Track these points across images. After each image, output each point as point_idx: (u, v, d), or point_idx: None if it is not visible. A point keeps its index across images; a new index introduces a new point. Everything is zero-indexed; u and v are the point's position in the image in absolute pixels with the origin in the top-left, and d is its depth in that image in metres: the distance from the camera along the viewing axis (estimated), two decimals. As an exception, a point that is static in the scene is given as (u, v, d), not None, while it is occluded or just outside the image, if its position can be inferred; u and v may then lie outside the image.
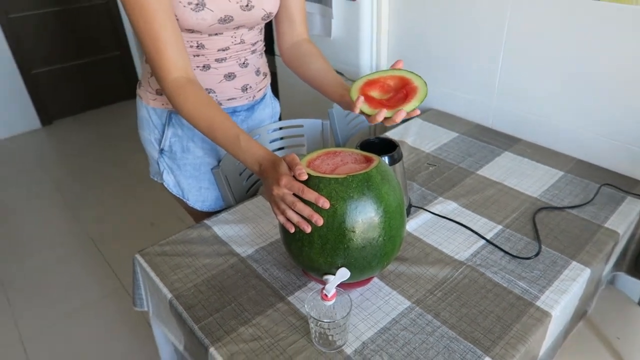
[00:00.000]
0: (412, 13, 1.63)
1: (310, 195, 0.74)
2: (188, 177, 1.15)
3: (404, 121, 1.66)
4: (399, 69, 0.90)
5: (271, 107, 1.27)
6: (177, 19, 0.90)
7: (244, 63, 1.07)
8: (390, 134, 1.50)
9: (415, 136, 1.48)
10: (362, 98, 0.84)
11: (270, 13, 1.02)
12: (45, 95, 3.46)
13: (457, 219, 1.10)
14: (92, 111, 3.74)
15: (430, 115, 1.62)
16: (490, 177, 1.26)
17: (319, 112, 1.48)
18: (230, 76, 1.06)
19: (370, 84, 0.89)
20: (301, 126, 1.34)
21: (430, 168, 1.31)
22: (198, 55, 1.00)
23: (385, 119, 0.83)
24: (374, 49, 1.73)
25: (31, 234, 2.36)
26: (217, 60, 1.02)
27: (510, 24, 1.38)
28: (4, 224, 2.44)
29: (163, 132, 1.10)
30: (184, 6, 0.89)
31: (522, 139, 1.45)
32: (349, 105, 0.92)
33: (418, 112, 0.84)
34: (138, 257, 1.01)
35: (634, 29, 1.15)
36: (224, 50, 1.01)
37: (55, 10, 3.32)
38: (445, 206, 1.15)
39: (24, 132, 3.44)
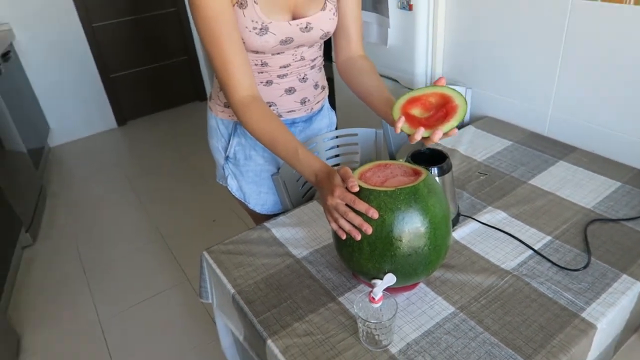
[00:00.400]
0: (467, 21, 1.64)
1: (361, 206, 0.81)
2: (250, 182, 1.26)
3: (458, 127, 1.68)
4: (441, 86, 0.93)
5: (328, 117, 1.35)
6: (244, 42, 0.99)
7: (303, 78, 1.16)
8: (443, 143, 1.53)
9: (467, 144, 1.50)
10: (402, 118, 0.89)
11: (327, 32, 1.09)
12: (121, 97, 3.76)
13: (506, 229, 1.12)
14: (162, 112, 4.01)
15: (484, 123, 1.63)
16: (542, 187, 1.27)
17: (374, 119, 1.54)
18: (290, 90, 1.15)
19: (413, 101, 0.93)
20: (355, 135, 1.40)
21: (481, 177, 1.34)
22: (262, 72, 1.10)
23: (424, 138, 0.88)
24: (429, 57, 1.76)
25: (109, 227, 2.60)
26: (279, 76, 1.11)
27: (569, 31, 1.37)
28: (86, 217, 2.70)
29: (229, 141, 1.21)
30: (250, 31, 0.98)
31: (578, 148, 1.43)
32: (392, 122, 0.98)
33: (456, 132, 0.88)
34: (205, 254, 1.13)
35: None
36: (285, 67, 1.10)
37: (132, 19, 3.60)
38: (494, 215, 1.17)
39: (102, 131, 3.75)
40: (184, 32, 3.83)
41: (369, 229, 0.81)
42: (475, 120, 1.67)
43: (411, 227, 0.82)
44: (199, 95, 4.12)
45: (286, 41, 1.03)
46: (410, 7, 1.67)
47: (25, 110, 3.02)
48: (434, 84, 0.93)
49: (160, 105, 4.00)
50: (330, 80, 1.41)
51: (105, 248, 2.42)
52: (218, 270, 1.08)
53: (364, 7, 1.83)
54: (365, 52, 1.20)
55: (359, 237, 0.82)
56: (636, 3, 1.19)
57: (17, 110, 2.76)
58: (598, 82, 1.36)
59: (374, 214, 0.80)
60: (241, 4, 0.96)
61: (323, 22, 1.06)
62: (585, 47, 1.35)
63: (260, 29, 0.99)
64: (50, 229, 2.61)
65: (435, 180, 0.89)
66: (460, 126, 1.68)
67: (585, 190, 1.24)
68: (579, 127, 1.44)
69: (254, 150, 1.22)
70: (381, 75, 1.93)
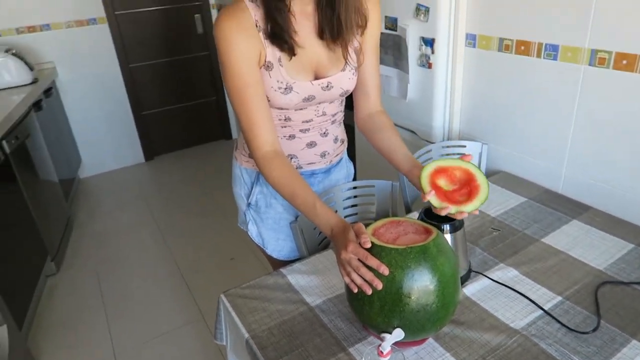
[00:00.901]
0: (484, 81, 1.71)
1: (373, 262, 0.85)
2: (269, 229, 1.32)
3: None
4: (467, 162, 0.99)
5: (346, 168, 1.41)
6: (269, 100, 1.08)
7: (324, 133, 1.23)
8: (458, 195, 1.57)
9: (482, 198, 1.54)
10: (432, 192, 0.95)
11: (347, 90, 1.17)
12: (150, 133, 3.93)
13: (517, 287, 1.14)
14: (189, 149, 4.16)
15: (499, 178, 1.67)
16: (554, 246, 1.29)
17: (392, 169, 1.60)
18: (311, 144, 1.22)
19: (440, 171, 0.99)
20: (372, 186, 1.46)
21: (494, 233, 1.36)
22: (285, 127, 1.17)
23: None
24: (447, 112, 1.83)
25: (129, 259, 2.68)
26: (301, 130, 1.19)
27: (582, 95, 1.42)
28: (108, 248, 2.79)
29: (251, 189, 1.28)
30: (275, 90, 1.06)
31: (592, 207, 1.45)
32: (414, 183, 1.04)
33: (477, 212, 0.94)
34: (223, 297, 1.17)
35: None
36: (307, 122, 1.17)
37: (166, 61, 3.80)
38: (506, 273, 1.19)
39: (130, 165, 3.90)
40: (213, 74, 4.02)
41: (379, 285, 0.85)
42: (491, 175, 1.71)
43: (420, 284, 0.85)
44: (225, 134, 4.26)
45: (308, 99, 1.11)
46: (429, 66, 1.75)
47: (61, 143, 3.19)
48: (461, 158, 0.99)
49: (188, 142, 4.16)
50: (349, 127, 1.47)
51: (124, 280, 2.49)
52: (234, 314, 1.12)
53: (386, 63, 1.92)
54: (385, 106, 1.27)
55: (369, 291, 0.86)
56: (646, 73, 1.24)
57: (53, 143, 2.92)
58: (611, 144, 1.39)
59: (384, 270, 0.84)
60: (268, 66, 1.04)
61: (343, 82, 1.14)
62: (598, 111, 1.39)
63: (285, 88, 1.07)
64: (74, 258, 2.70)
65: (445, 240, 0.93)
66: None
67: (597, 251, 1.25)
68: (592, 187, 1.47)
69: (274, 199, 1.28)
70: (400, 127, 2.01)
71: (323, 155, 1.26)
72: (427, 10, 1.68)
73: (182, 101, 4.00)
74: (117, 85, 3.62)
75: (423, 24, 1.72)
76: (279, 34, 1.00)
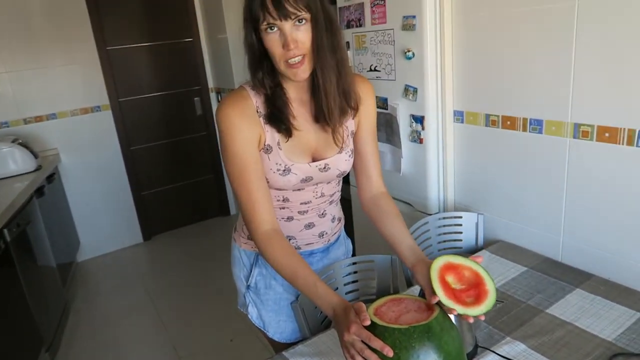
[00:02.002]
0: (475, 153, 1.77)
1: (376, 343, 0.84)
2: (269, 310, 1.30)
3: (472, 251, 1.72)
4: (478, 264, 0.99)
5: (344, 245, 1.42)
6: (268, 181, 1.11)
7: (322, 214, 1.25)
8: (458, 267, 1.56)
9: (483, 270, 1.53)
10: (437, 299, 0.93)
11: (344, 171, 1.21)
12: (149, 213, 3.95)
13: (526, 363, 1.11)
14: (187, 227, 4.16)
15: (499, 247, 1.68)
16: (560, 317, 1.27)
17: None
18: (310, 225, 1.24)
19: (449, 267, 0.99)
20: (372, 262, 1.46)
21: (498, 305, 1.35)
22: (283, 208, 1.20)
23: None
24: (441, 185, 1.87)
25: (126, 347, 2.59)
26: (299, 212, 1.21)
27: (570, 166, 1.46)
28: (106, 333, 2.71)
29: (251, 271, 1.28)
30: (274, 172, 1.10)
31: (594, 275, 1.44)
32: (418, 279, 1.03)
33: (483, 317, 0.94)
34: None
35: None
36: (305, 203, 1.20)
37: (166, 142, 3.93)
38: (514, 347, 1.17)
39: (129, 246, 3.88)
40: (212, 153, 4.13)
41: None
42: (489, 244, 1.72)
43: (426, 365, 0.84)
44: (223, 210, 4.29)
45: (306, 179, 1.14)
46: (421, 141, 1.82)
47: (61, 227, 3.20)
48: (472, 258, 1.00)
49: (186, 220, 4.17)
50: (347, 202, 1.49)
51: (121, 369, 2.39)
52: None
53: (379, 139, 1.99)
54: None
55: None
56: (629, 144, 1.30)
57: (53, 228, 2.93)
58: (604, 212, 1.41)
59: (388, 352, 0.83)
60: (267, 149, 1.09)
61: (340, 164, 1.18)
62: (588, 180, 1.43)
63: (284, 170, 1.11)
64: (69, 348, 2.61)
65: (448, 317, 0.92)
66: (474, 250, 1.73)
67: (605, 321, 1.23)
68: (592, 255, 1.47)
69: (274, 280, 1.28)
70: (396, 199, 2.03)
71: (321, 235, 1.28)
72: (415, 90, 1.78)
73: (181, 180, 4.08)
74: (117, 167, 3.70)
75: (412, 103, 1.82)
76: (278, 116, 1.06)
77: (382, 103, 1.95)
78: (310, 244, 1.27)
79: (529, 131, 1.55)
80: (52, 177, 3.15)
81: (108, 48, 3.53)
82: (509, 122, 1.61)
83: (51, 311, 2.59)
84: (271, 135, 1.08)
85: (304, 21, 0.96)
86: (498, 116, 1.64)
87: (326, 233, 1.28)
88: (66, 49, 3.35)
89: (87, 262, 3.68)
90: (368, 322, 0.87)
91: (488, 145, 1.71)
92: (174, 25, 3.78)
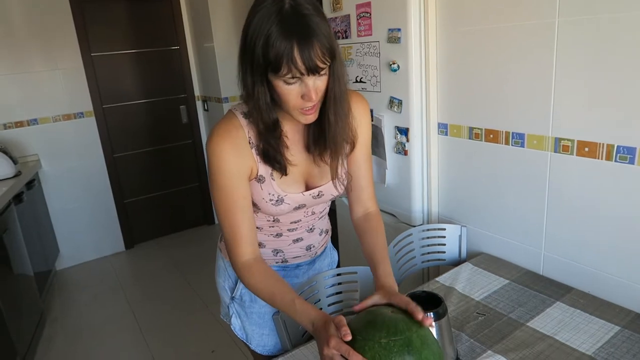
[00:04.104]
0: (458, 165, 1.79)
1: (355, 358, 0.83)
2: (253, 323, 1.28)
3: (456, 263, 1.73)
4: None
5: (330, 256, 1.42)
6: (260, 208, 1.09)
7: (311, 229, 1.24)
8: (442, 280, 1.57)
9: (465, 282, 1.54)
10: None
11: (337, 195, 1.18)
12: (132, 221, 3.89)
13: (506, 376, 1.11)
14: (170, 235, 4.11)
15: (481, 260, 1.68)
16: (541, 330, 1.27)
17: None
18: (298, 240, 1.23)
19: None
20: (355, 273, 1.45)
21: (480, 318, 1.35)
22: (273, 226, 1.18)
23: None
24: (425, 196, 1.88)
25: (105, 355, 2.53)
26: (289, 230, 1.20)
27: (551, 180, 1.48)
28: (82, 347, 2.64)
29: (236, 283, 1.26)
30: (267, 202, 1.08)
31: (574, 288, 1.46)
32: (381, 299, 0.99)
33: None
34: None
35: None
36: (296, 222, 1.18)
37: (150, 150, 3.89)
38: (495, 361, 1.17)
39: (110, 254, 3.82)
40: (197, 161, 4.10)
41: None
42: (472, 256, 1.72)
43: (406, 380, 0.83)
44: (208, 219, 4.25)
45: (299, 207, 1.13)
46: (405, 153, 1.83)
47: (39, 235, 3.13)
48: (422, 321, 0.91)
49: (169, 229, 4.12)
50: (332, 212, 1.48)
51: (98, 381, 2.33)
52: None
53: (364, 150, 2.00)
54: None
55: None
56: (607, 159, 1.32)
57: (31, 236, 2.86)
58: (584, 226, 1.43)
59: None
60: (259, 179, 1.06)
61: (333, 189, 1.14)
62: (569, 194, 1.45)
63: (277, 200, 1.08)
64: (44, 358, 2.54)
65: (429, 331, 0.92)
66: (458, 262, 1.73)
67: (584, 335, 1.24)
68: (572, 268, 1.49)
69: None
70: (380, 211, 2.04)
71: (308, 248, 1.27)
72: (400, 102, 1.79)
73: (165, 188, 4.03)
74: (100, 175, 3.65)
75: (397, 115, 1.83)
76: (273, 156, 1.02)
77: (367, 114, 1.96)
78: (298, 257, 1.26)
79: (512, 144, 1.57)
80: (32, 184, 3.09)
81: (93, 54, 3.50)
82: (492, 135, 1.62)
83: (26, 321, 2.52)
84: (264, 167, 1.05)
85: (325, 71, 0.91)
86: (481, 129, 1.65)
87: (314, 246, 1.27)
88: (49, 54, 3.31)
89: (67, 270, 3.60)
90: (349, 338, 0.86)
91: (471, 158, 1.73)
92: (160, 32, 3.76)
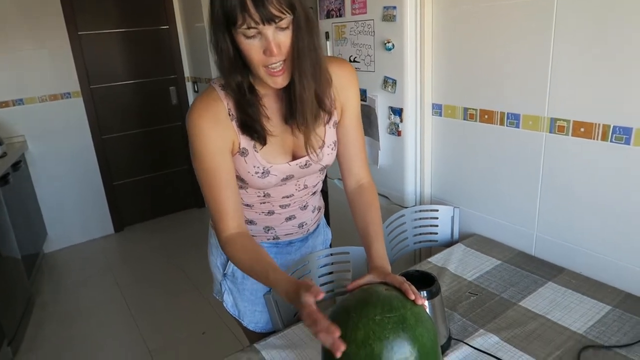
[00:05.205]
0: (452, 146, 1.77)
1: (323, 324, 0.80)
2: (245, 300, 1.27)
3: (448, 244, 1.72)
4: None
5: (323, 234, 1.40)
6: (247, 182, 1.07)
7: (304, 206, 1.22)
8: (434, 260, 1.56)
9: (458, 263, 1.53)
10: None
11: (326, 165, 1.15)
12: (121, 204, 3.85)
13: (499, 355, 1.11)
14: (160, 218, 4.08)
15: (473, 241, 1.68)
16: (533, 310, 1.27)
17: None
18: (291, 218, 1.21)
19: None
20: (347, 253, 1.44)
21: (472, 297, 1.35)
22: (264, 203, 1.16)
23: None
24: (418, 177, 1.87)
25: (94, 341, 2.51)
26: (281, 206, 1.17)
27: (546, 160, 1.47)
28: (72, 329, 2.62)
29: (227, 259, 1.24)
30: (252, 175, 1.05)
31: (566, 269, 1.46)
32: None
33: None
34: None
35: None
36: (288, 197, 1.16)
37: (139, 132, 3.83)
38: (487, 339, 1.17)
39: (98, 237, 3.78)
40: (187, 144, 4.03)
41: (339, 349, 0.78)
42: (464, 238, 1.72)
43: (400, 356, 0.82)
44: (198, 202, 4.22)
45: (287, 178, 1.10)
46: (399, 133, 1.81)
47: (26, 217, 3.08)
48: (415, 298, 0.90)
49: (159, 212, 4.08)
50: (323, 192, 1.47)
51: (88, 363, 2.32)
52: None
53: (357, 131, 1.97)
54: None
55: (338, 354, 0.79)
56: (603, 139, 1.31)
57: (18, 218, 2.81)
58: (576, 207, 1.43)
59: (335, 331, 0.79)
60: (243, 152, 1.03)
61: (323, 159, 1.11)
62: (563, 175, 1.44)
63: (262, 172, 1.06)
64: (33, 342, 2.52)
65: (423, 309, 0.91)
66: (450, 243, 1.73)
67: (576, 314, 1.24)
68: (564, 249, 1.49)
69: None
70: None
71: (301, 226, 1.25)
72: (394, 82, 1.77)
73: (155, 170, 3.98)
74: (88, 157, 3.59)
75: (391, 95, 1.80)
76: (251, 124, 0.99)
77: (360, 95, 1.92)
78: (290, 234, 1.24)
79: (506, 125, 1.55)
80: (18, 165, 3.03)
81: (80, 33, 3.41)
82: (486, 116, 1.61)
83: (14, 304, 2.49)
84: (246, 139, 1.02)
85: (286, 23, 0.88)
86: (476, 110, 1.64)
87: (306, 224, 1.26)
88: (35, 33, 3.22)
89: (55, 253, 3.56)
90: (321, 296, 0.84)
91: (465, 139, 1.71)
92: (149, 12, 3.68)
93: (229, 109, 1.00)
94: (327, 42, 2.05)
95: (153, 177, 3.99)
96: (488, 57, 1.56)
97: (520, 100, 1.50)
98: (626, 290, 1.33)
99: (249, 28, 0.85)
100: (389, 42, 1.73)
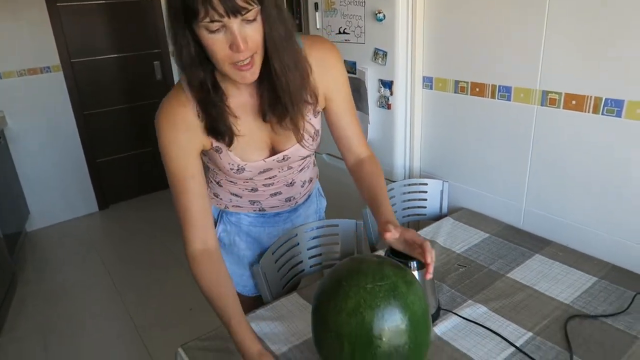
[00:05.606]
0: (442, 120, 1.76)
1: None
2: (233, 263, 1.27)
3: (436, 218, 1.72)
4: None
5: (316, 203, 1.37)
6: (225, 174, 1.05)
7: (290, 183, 1.18)
8: (423, 233, 1.56)
9: (446, 236, 1.53)
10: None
11: (307, 155, 1.10)
12: (105, 181, 3.78)
13: (487, 324, 1.11)
14: (145, 196, 4.02)
15: (462, 215, 1.68)
16: (520, 281, 1.28)
17: (356, 209, 1.58)
18: (276, 194, 1.18)
19: None
20: (336, 226, 1.43)
21: (461, 269, 1.35)
22: (247, 181, 1.12)
23: None
24: (408, 151, 1.85)
25: (79, 318, 2.48)
26: (264, 185, 1.14)
27: (536, 133, 1.47)
28: (56, 307, 2.59)
29: (215, 225, 1.22)
30: (228, 170, 1.04)
31: (553, 241, 1.47)
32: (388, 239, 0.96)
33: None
34: (180, 351, 1.08)
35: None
36: (270, 178, 1.12)
37: (122, 107, 3.74)
38: (475, 310, 1.17)
39: (82, 215, 3.71)
40: (173, 121, 3.96)
41: None
42: (453, 211, 1.72)
43: (391, 324, 0.81)
44: (184, 180, 4.16)
45: (265, 170, 1.07)
46: (389, 107, 1.79)
47: (7, 195, 3.00)
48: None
49: (144, 189, 4.02)
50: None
51: (74, 342, 2.29)
52: (192, 369, 1.03)
53: (346, 105, 1.95)
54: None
55: None
56: (594, 112, 1.30)
57: (-2, 195, 2.74)
58: (566, 181, 1.43)
59: None
60: (217, 150, 1.00)
61: (301, 150, 1.06)
62: (552, 148, 1.44)
63: (237, 169, 1.03)
64: (17, 320, 2.48)
65: (414, 277, 0.90)
66: (438, 217, 1.73)
67: (562, 285, 1.25)
68: (552, 222, 1.50)
69: (237, 237, 1.25)
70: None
71: (288, 200, 1.22)
72: (385, 54, 1.74)
73: (139, 147, 3.90)
74: (70, 133, 3.50)
75: (381, 67, 1.77)
76: (215, 127, 0.93)
77: (350, 67, 1.89)
78: (276, 207, 1.22)
79: (498, 98, 1.54)
80: (-3, 141, 2.94)
81: (58, 4, 3.28)
82: (477, 89, 1.59)
83: (-4, 281, 2.45)
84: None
85: (253, 15, 0.79)
86: (467, 82, 1.62)
87: (294, 197, 1.23)
88: (12, 5, 3.09)
89: (38, 232, 3.50)
90: None
91: (456, 113, 1.70)
92: (132, -18, 3.55)
93: (198, 110, 0.93)
94: (317, 14, 2.00)
95: (138, 154, 3.91)
96: (480, 28, 1.53)
97: (512, 72, 1.48)
98: (612, 262, 1.34)
99: (212, 21, 0.77)
100: (379, 13, 1.69)
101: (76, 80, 3.46)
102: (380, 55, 1.75)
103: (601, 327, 1.09)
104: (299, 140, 1.01)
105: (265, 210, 1.22)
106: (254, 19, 0.80)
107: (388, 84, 1.76)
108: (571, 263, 1.35)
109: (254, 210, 1.22)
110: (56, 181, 3.52)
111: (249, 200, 1.19)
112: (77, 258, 3.10)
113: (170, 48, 0.87)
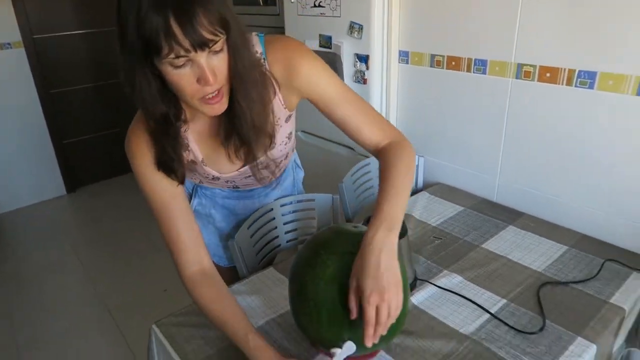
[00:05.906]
0: (418, 95, 1.75)
1: None
2: (209, 233, 1.26)
3: (412, 193, 1.73)
4: None
5: (293, 175, 1.34)
6: (201, 182, 1.06)
7: (265, 166, 1.10)
8: (399, 208, 1.56)
9: (422, 210, 1.54)
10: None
11: (282, 155, 1.07)
12: (73, 163, 3.65)
13: (463, 293, 1.13)
14: (115, 178, 3.91)
15: (437, 189, 1.69)
16: (494, 251, 1.30)
17: (330, 186, 1.57)
18: (251, 176, 1.13)
19: None
20: (312, 200, 1.41)
21: (436, 241, 1.36)
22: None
23: None
24: (383, 127, 1.84)
25: (49, 302, 2.41)
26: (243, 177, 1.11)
27: (511, 107, 1.48)
28: (24, 292, 2.51)
29: (190, 199, 1.21)
30: (205, 178, 1.05)
31: (525, 213, 1.50)
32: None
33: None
34: (154, 327, 1.06)
35: (632, 114, 1.23)
36: (249, 176, 1.09)
37: (90, 86, 3.60)
38: (451, 279, 1.18)
39: (50, 198, 3.59)
40: (143, 101, 3.85)
41: None
42: (428, 186, 1.73)
43: (369, 291, 0.80)
44: (156, 162, 4.07)
45: (240, 174, 1.06)
46: (364, 81, 1.77)
47: (-33, 176, 2.87)
48: None
49: (114, 172, 3.91)
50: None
51: (44, 326, 2.23)
52: (168, 345, 1.01)
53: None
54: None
55: None
56: (568, 84, 1.31)
57: (-43, 176, 2.62)
58: (539, 153, 1.45)
59: None
60: (192, 163, 0.98)
61: (276, 154, 1.03)
62: (526, 121, 1.45)
63: (212, 179, 1.04)
64: (-18, 304, 2.40)
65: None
66: (414, 192, 1.74)
67: (535, 254, 1.28)
68: (525, 194, 1.52)
69: (213, 209, 1.24)
70: (337, 143, 1.99)
71: (261, 180, 1.18)
72: (361, 28, 1.71)
73: (108, 128, 3.78)
74: (34, 113, 3.35)
75: (357, 41, 1.74)
76: (166, 164, 0.88)
77: (325, 42, 1.86)
78: (250, 184, 1.19)
79: (473, 72, 1.54)
80: (-45, 120, 2.79)
81: (17, -25, 3.11)
82: (453, 63, 1.59)
83: (-41, 265, 2.35)
84: (193, 154, 0.96)
85: (220, 46, 0.74)
86: (443, 56, 1.61)
87: (269, 177, 1.20)
88: (-34, -26, 2.92)
89: (2, 216, 3.37)
90: None
91: (432, 87, 1.69)
92: (97, -47, 3.39)
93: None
94: (290, -14, 1.95)
95: (107, 134, 3.79)
96: (457, 1, 1.52)
97: (488, 46, 1.48)
98: (582, 232, 1.38)
99: (177, 57, 0.70)
100: (355, -15, 1.66)
101: (39, 57, 3.30)
102: (356, 28, 1.73)
103: (572, 292, 1.12)
104: (252, 168, 1.02)
105: (239, 188, 1.20)
106: (221, 50, 0.75)
107: (364, 58, 1.74)
108: (543, 233, 1.38)
109: (228, 187, 1.19)
110: (21, 164, 3.38)
111: (225, 181, 1.16)
112: (45, 243, 3.00)
113: (124, 85, 0.80)
